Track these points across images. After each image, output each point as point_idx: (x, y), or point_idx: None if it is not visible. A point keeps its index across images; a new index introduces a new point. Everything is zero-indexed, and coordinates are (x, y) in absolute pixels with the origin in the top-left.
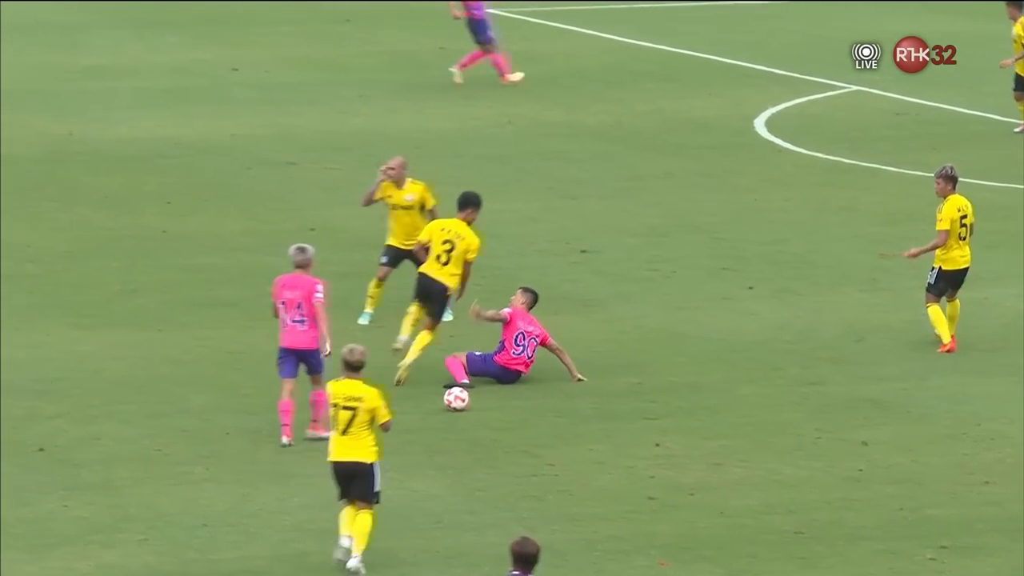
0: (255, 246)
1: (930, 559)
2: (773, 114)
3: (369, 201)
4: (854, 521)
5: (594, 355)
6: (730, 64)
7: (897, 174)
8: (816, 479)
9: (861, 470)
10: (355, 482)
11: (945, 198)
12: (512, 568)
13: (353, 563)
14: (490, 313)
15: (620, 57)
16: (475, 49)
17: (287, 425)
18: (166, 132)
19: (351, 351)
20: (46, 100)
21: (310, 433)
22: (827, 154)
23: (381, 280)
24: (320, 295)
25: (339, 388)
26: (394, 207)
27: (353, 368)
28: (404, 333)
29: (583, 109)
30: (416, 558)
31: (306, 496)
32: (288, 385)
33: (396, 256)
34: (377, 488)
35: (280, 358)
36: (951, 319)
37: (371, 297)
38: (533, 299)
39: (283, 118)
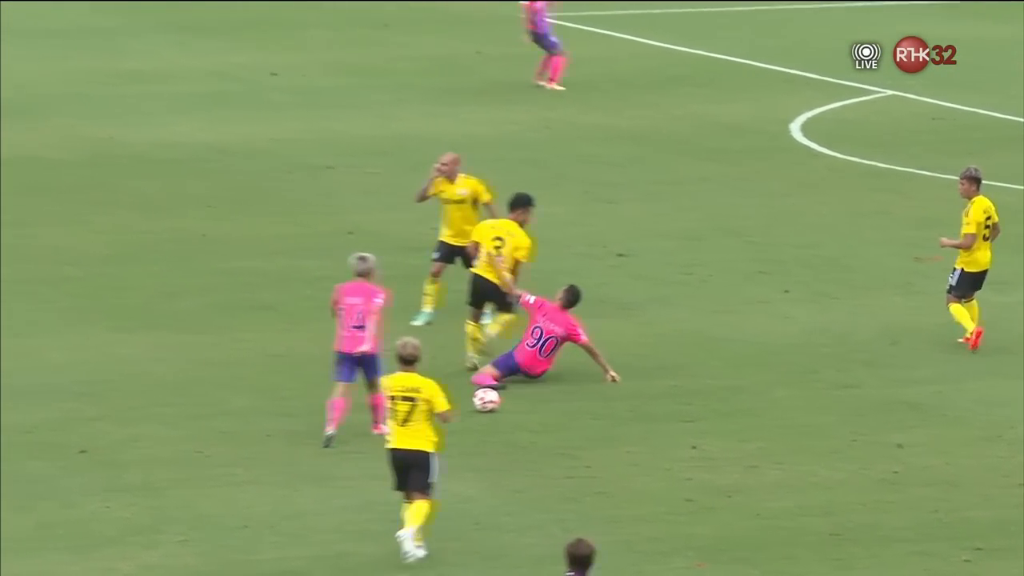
0: (294, 250)
1: (965, 561)
2: (808, 118)
3: (422, 197)
4: (889, 523)
5: (631, 358)
6: (765, 68)
7: (932, 178)
8: (852, 481)
9: (896, 472)
10: (412, 471)
11: (970, 199)
12: (568, 569)
13: (404, 532)
14: (508, 276)
15: (656, 61)
16: (544, 56)
17: (333, 420)
18: (205, 136)
19: (404, 344)
20: (87, 104)
21: (376, 432)
22: (862, 158)
23: (435, 276)
24: (380, 301)
25: (395, 381)
26: (446, 202)
27: (406, 362)
28: (470, 351)
29: (619, 113)
30: (455, 559)
31: (346, 498)
32: (341, 388)
33: (448, 252)
34: (431, 480)
35: (337, 362)
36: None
37: (428, 295)
38: (568, 298)
39: (321, 122)
